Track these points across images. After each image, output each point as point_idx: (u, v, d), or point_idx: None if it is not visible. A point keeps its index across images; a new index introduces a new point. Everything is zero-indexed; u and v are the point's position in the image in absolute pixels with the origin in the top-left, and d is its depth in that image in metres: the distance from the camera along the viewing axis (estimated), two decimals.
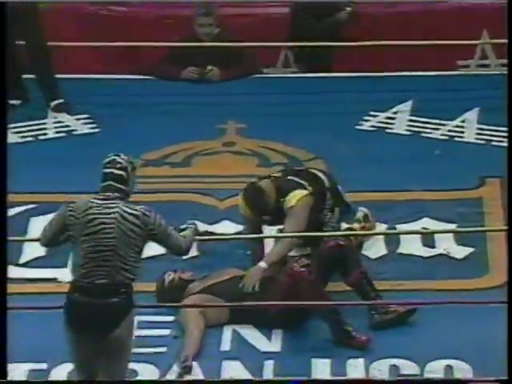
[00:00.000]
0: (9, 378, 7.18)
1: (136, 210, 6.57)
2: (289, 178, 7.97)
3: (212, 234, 8.23)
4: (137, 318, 7.32)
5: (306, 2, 10.19)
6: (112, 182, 6.60)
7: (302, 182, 7.91)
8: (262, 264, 7.66)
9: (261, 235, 7.92)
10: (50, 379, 7.27)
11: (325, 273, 7.70)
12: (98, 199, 6.59)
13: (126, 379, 6.83)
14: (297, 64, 10.38)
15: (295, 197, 7.78)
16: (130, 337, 6.72)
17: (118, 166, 6.63)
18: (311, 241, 7.91)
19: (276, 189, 7.83)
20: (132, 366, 7.27)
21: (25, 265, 8.11)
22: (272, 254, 7.75)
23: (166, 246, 6.79)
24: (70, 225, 6.59)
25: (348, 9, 10.15)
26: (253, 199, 7.84)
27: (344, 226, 8.10)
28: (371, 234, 8.18)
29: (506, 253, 7.13)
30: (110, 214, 6.54)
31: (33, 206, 8.50)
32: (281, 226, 7.88)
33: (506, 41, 8.64)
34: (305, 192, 7.82)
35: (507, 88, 7.89)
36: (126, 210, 6.56)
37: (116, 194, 6.60)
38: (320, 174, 8.07)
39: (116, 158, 6.64)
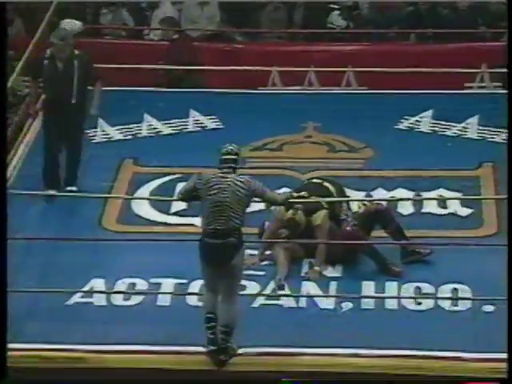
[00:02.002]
0: (161, 289, 7.24)
1: (242, 179, 6.66)
2: (313, 197, 7.56)
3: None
4: (249, 252, 7.44)
5: None
6: (225, 164, 6.68)
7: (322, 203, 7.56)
8: (317, 268, 7.47)
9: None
10: (189, 291, 7.22)
11: (369, 227, 7.62)
12: (218, 173, 6.67)
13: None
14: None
15: (319, 216, 7.50)
16: (242, 264, 6.76)
17: (230, 152, 6.70)
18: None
19: (304, 211, 7.50)
20: (243, 282, 7.24)
21: (174, 214, 8.09)
22: (319, 258, 7.49)
23: (265, 199, 6.87)
24: (198, 188, 6.65)
25: None
26: (294, 229, 7.57)
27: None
28: (396, 200, 8.12)
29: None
30: (225, 181, 6.61)
31: (178, 175, 8.46)
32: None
33: (498, 70, 8.52)
34: (324, 211, 7.53)
35: (507, 86, 7.78)
36: (236, 178, 6.65)
37: (229, 170, 6.66)
38: (330, 187, 7.73)
39: (228, 146, 6.73)
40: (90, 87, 8.31)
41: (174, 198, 7.39)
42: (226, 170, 6.65)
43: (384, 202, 7.85)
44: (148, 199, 8.17)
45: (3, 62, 6.70)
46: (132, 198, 8.20)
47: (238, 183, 6.61)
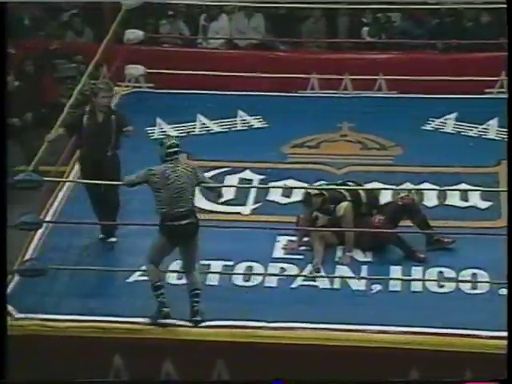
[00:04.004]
0: (208, 270, 7.24)
1: (190, 168, 6.76)
2: (338, 190, 7.51)
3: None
4: (288, 238, 7.47)
5: None
6: (174, 155, 6.70)
7: (345, 193, 7.47)
8: (349, 253, 7.42)
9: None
10: (234, 271, 7.23)
11: (397, 218, 7.55)
12: (169, 165, 6.69)
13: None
14: None
15: (342, 207, 7.42)
16: (199, 241, 6.79)
17: (174, 144, 6.73)
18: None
19: (326, 198, 7.43)
20: (283, 265, 7.31)
21: (222, 203, 7.97)
22: (349, 245, 7.44)
23: (204, 182, 6.88)
24: (153, 181, 6.68)
25: None
26: (308, 202, 7.56)
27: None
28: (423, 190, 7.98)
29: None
30: (178, 170, 6.67)
31: (227, 169, 8.46)
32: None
33: None
34: (346, 203, 7.44)
35: (508, 89, 7.65)
36: (184, 167, 6.73)
37: (177, 161, 6.71)
38: (360, 191, 7.54)
39: (171, 140, 6.77)
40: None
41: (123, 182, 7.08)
42: (173, 162, 6.69)
43: (411, 197, 7.74)
44: (111, 184, 7.56)
45: (3, 62, 6.39)
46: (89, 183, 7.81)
47: (189, 170, 6.71)
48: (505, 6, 8.06)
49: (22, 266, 7.05)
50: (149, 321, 6.75)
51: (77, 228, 7.55)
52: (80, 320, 6.85)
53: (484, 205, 7.98)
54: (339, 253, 7.46)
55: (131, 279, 7.21)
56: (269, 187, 8.11)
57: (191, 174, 6.72)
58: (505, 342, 6.38)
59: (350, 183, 7.73)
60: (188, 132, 9.33)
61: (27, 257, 7.34)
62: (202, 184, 6.87)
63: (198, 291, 6.76)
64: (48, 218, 7.71)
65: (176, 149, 6.74)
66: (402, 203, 7.60)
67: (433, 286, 7.12)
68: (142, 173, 6.79)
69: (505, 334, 6.45)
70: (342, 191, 7.53)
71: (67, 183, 8.19)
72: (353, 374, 6.47)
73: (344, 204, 7.44)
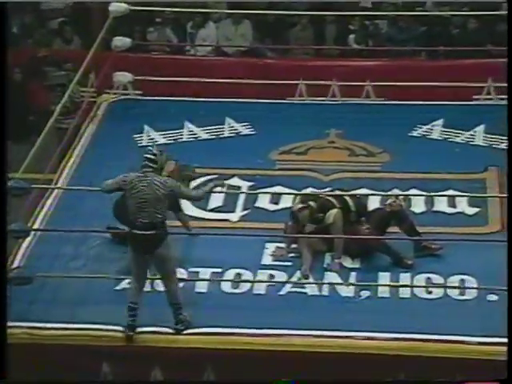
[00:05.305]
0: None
1: (161, 179, 6.65)
2: (327, 198, 7.48)
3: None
4: (277, 245, 7.44)
5: None
6: (147, 163, 6.64)
7: (334, 201, 7.45)
8: (337, 260, 7.37)
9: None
10: (225, 278, 7.20)
11: (385, 225, 7.51)
12: (139, 174, 6.66)
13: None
14: None
15: (331, 214, 7.38)
16: (170, 253, 6.70)
17: (149, 154, 6.67)
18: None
19: (313, 209, 7.39)
20: (272, 272, 7.27)
21: (210, 210, 8.03)
22: (338, 251, 7.40)
23: (182, 196, 6.88)
24: (123, 188, 6.67)
25: None
26: (295, 219, 7.50)
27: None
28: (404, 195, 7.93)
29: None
30: (145, 181, 6.59)
31: (215, 176, 8.27)
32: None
33: (503, 84, 8.42)
34: (336, 210, 7.40)
35: (507, 93, 7.64)
36: (155, 178, 6.62)
37: (148, 170, 6.63)
38: (347, 198, 7.50)
39: (150, 150, 6.73)
40: None
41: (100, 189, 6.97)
42: (145, 171, 6.64)
43: (399, 203, 7.72)
44: (81, 189, 7.60)
45: (3, 62, 6.28)
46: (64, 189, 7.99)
47: (157, 183, 6.59)
48: (505, 12, 8.09)
49: (9, 274, 7.01)
50: (121, 329, 6.71)
51: (65, 236, 7.51)
52: (68, 328, 6.80)
53: (471, 211, 7.95)
54: (328, 259, 7.43)
55: (120, 287, 7.17)
56: (255, 193, 8.08)
57: (161, 187, 6.59)
58: (493, 348, 6.43)
59: (337, 190, 7.71)
60: (176, 139, 9.29)
61: (15, 265, 7.29)
62: (174, 194, 6.72)
63: (177, 305, 6.70)
64: (36, 226, 7.66)
65: (150, 157, 6.65)
66: (390, 210, 7.58)
67: (421, 293, 7.09)
68: (117, 179, 6.78)
69: (493, 339, 6.51)
70: (331, 198, 7.50)
71: (55, 191, 8.15)
72: (342, 381, 6.43)
73: (333, 211, 7.42)
